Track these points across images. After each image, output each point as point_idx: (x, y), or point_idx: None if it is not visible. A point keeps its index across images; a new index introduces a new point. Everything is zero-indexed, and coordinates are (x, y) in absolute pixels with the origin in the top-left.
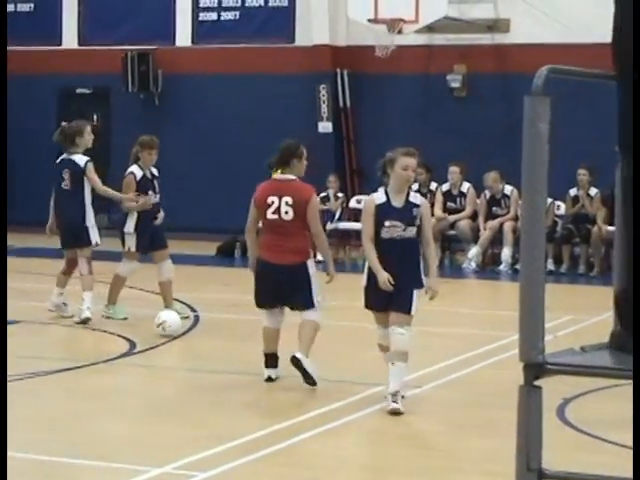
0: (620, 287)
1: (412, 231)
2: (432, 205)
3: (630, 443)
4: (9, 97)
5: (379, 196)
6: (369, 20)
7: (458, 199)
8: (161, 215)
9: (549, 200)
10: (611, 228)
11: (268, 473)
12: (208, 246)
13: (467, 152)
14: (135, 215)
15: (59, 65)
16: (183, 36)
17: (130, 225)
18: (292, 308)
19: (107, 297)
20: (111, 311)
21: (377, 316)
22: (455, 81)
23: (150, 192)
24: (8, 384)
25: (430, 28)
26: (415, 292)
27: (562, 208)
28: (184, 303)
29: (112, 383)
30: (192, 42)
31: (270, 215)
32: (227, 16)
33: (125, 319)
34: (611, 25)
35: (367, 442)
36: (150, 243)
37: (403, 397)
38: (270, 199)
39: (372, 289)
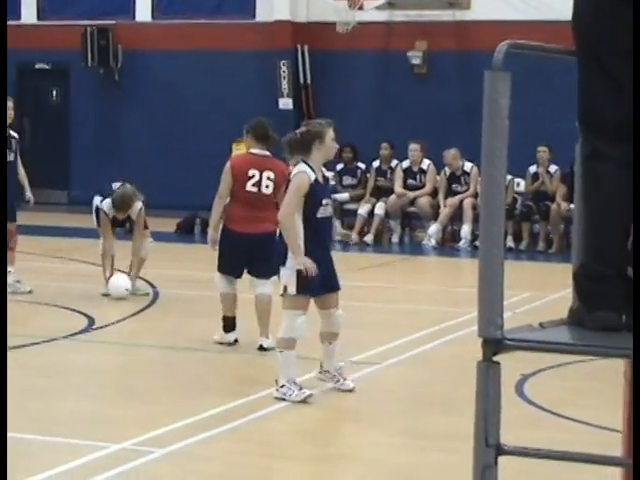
0: (578, 262)
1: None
2: (392, 182)
3: (588, 419)
4: None
5: (309, 171)
6: None
7: (418, 176)
8: None
9: (509, 177)
10: (571, 205)
11: (226, 449)
12: (167, 222)
13: (427, 129)
14: None
15: (18, 40)
16: (143, 11)
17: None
18: (252, 275)
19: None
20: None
21: (306, 302)
22: (416, 58)
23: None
24: None
25: (391, 4)
26: None
27: (522, 185)
28: (144, 279)
29: (70, 360)
30: (152, 17)
31: (250, 187)
32: None
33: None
34: (571, 1)
35: (325, 419)
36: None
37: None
38: (251, 172)
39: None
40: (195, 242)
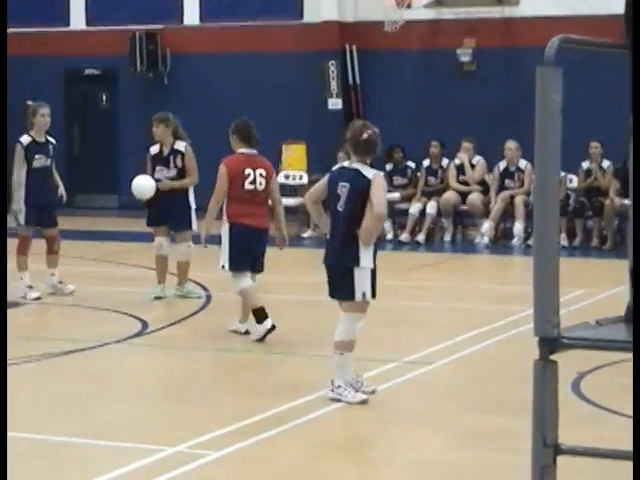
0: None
1: None
2: (442, 180)
3: None
4: (19, 77)
5: None
6: None
7: (470, 173)
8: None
9: (561, 173)
10: (625, 201)
11: (280, 452)
12: (219, 226)
13: (476, 127)
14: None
15: (66, 47)
16: (191, 15)
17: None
18: (254, 270)
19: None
20: (184, 290)
21: (368, 306)
22: (464, 55)
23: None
24: (24, 365)
25: (439, 2)
26: None
27: (575, 181)
28: (196, 282)
29: (123, 364)
30: (200, 21)
31: (248, 185)
32: None
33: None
34: None
35: (378, 420)
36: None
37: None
38: (247, 171)
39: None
40: None
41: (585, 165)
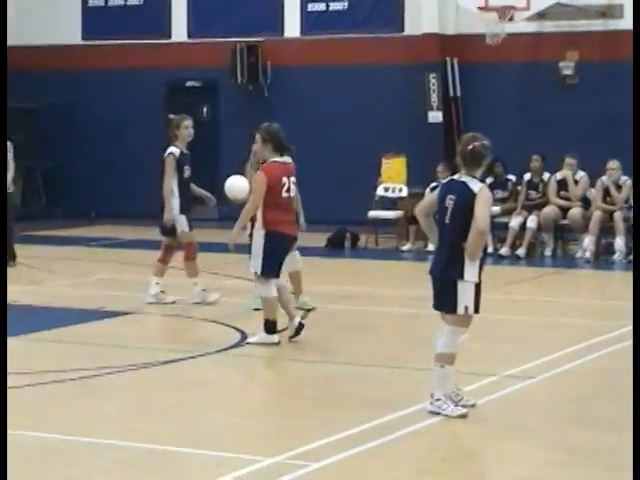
0: None
1: None
2: (543, 194)
3: None
4: (120, 90)
5: None
6: (479, 8)
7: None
8: None
9: None
10: None
11: (379, 464)
12: (317, 237)
13: (578, 140)
14: None
15: (168, 59)
16: (291, 27)
17: None
18: (277, 277)
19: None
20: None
21: (471, 320)
22: (567, 68)
23: None
24: (121, 374)
25: (541, 15)
26: None
27: None
28: (294, 294)
29: (222, 374)
30: (300, 33)
31: (284, 194)
32: (335, 6)
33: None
34: None
35: (478, 434)
36: None
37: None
38: (283, 179)
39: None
40: (345, 257)
41: None
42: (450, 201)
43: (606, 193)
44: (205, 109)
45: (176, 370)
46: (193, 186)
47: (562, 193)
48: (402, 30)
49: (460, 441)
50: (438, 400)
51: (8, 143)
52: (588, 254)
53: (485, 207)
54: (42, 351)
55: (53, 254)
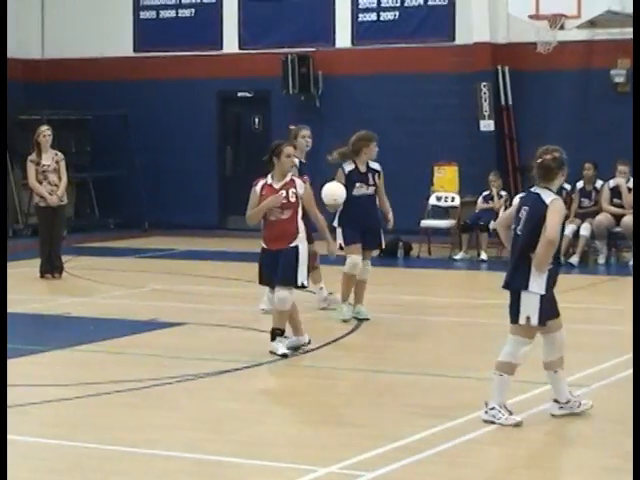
0: None
1: None
2: (596, 202)
3: None
4: (172, 101)
5: None
6: (530, 16)
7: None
8: None
9: None
10: None
11: (434, 473)
12: None
13: (630, 148)
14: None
15: (220, 70)
16: (343, 37)
17: (336, 220)
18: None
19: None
20: (338, 310)
21: (536, 331)
22: (619, 76)
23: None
24: (176, 385)
25: (592, 23)
26: None
27: None
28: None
29: (274, 383)
30: (352, 43)
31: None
32: (386, 16)
33: (345, 321)
34: None
35: (532, 441)
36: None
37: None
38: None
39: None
40: (398, 266)
41: None
42: (524, 212)
43: None
44: (257, 119)
45: (230, 380)
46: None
47: (615, 201)
48: (453, 39)
49: (516, 449)
50: (492, 409)
51: (60, 154)
52: None
53: (556, 217)
54: (96, 362)
55: (106, 265)
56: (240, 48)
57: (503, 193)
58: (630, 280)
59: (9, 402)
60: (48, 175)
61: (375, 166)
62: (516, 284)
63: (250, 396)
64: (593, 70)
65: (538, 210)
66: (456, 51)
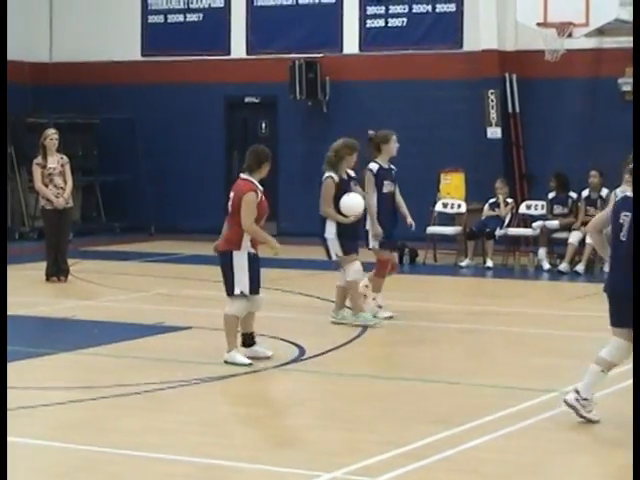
0: None
1: None
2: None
3: None
4: (179, 106)
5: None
6: (538, 24)
7: None
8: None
9: None
10: None
11: (438, 479)
12: None
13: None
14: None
15: (227, 75)
16: (350, 43)
17: (331, 230)
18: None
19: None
20: (339, 316)
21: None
22: (627, 84)
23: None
24: (181, 389)
25: (600, 31)
26: None
27: None
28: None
29: (282, 389)
30: (359, 49)
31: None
32: (394, 23)
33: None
34: None
35: (538, 450)
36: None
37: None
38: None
39: None
40: (403, 272)
41: None
42: (625, 217)
43: None
44: (264, 125)
45: (235, 385)
46: (399, 200)
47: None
48: (461, 46)
49: (521, 456)
50: (585, 399)
51: (65, 157)
52: None
53: None
54: (101, 365)
55: (112, 269)
56: (248, 53)
57: (509, 200)
58: None
59: (14, 404)
60: (54, 178)
61: (352, 173)
62: (623, 290)
63: (255, 401)
64: (601, 78)
65: None
66: (464, 58)
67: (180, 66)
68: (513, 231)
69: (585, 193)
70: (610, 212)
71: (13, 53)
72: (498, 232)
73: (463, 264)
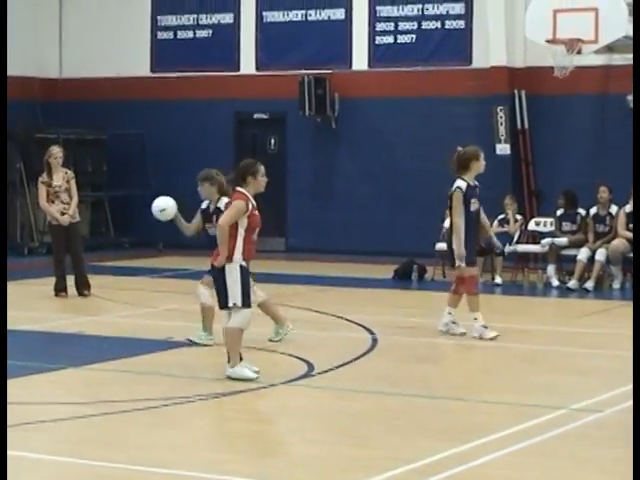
0: None
1: None
2: (611, 228)
3: None
4: (188, 122)
5: None
6: (547, 41)
7: None
8: None
9: None
10: None
11: None
12: (384, 269)
13: None
14: None
15: (237, 91)
16: (359, 60)
17: None
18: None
19: None
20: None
21: None
22: None
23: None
24: (190, 405)
25: (609, 48)
26: None
27: None
28: (361, 325)
29: (289, 405)
30: (368, 66)
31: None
32: (403, 39)
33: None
34: None
35: (546, 467)
36: None
37: None
38: None
39: None
40: (412, 289)
41: None
42: None
43: None
44: (273, 141)
45: (245, 401)
46: (484, 219)
47: (631, 226)
48: (470, 63)
49: (528, 473)
50: None
51: (70, 172)
52: None
53: None
54: (110, 381)
55: (120, 284)
56: (257, 69)
57: (519, 217)
58: None
59: (22, 419)
60: (60, 195)
61: (221, 205)
62: None
63: (265, 416)
64: (610, 95)
65: None
66: (473, 75)
67: (189, 82)
68: (522, 248)
69: (593, 210)
70: None
71: (23, 69)
72: (507, 248)
73: None
